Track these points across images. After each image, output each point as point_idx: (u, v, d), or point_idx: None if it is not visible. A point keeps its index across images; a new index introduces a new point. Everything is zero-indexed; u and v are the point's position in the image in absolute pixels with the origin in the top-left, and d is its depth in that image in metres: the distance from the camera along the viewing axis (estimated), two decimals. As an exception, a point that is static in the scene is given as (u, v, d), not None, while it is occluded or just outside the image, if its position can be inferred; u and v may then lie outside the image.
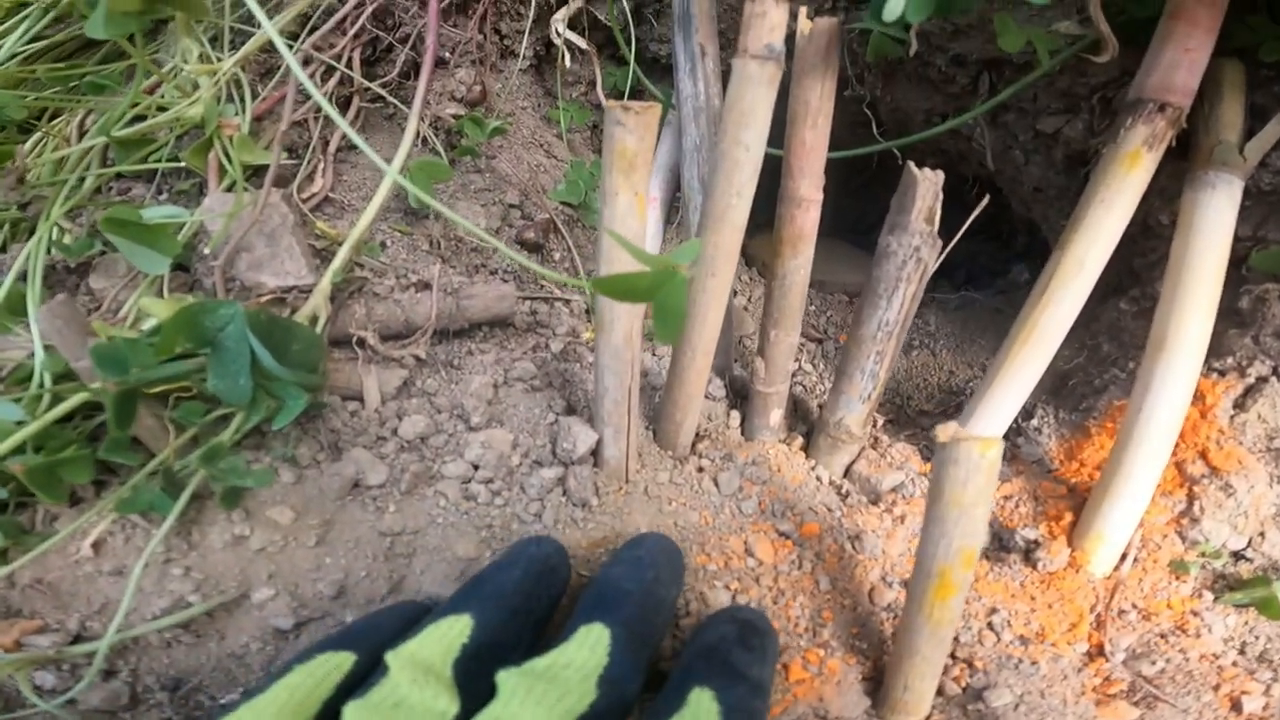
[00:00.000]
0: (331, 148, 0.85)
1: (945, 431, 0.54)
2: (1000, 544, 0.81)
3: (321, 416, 0.71)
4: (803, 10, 0.69)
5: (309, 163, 0.84)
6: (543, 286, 0.89)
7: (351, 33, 0.90)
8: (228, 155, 0.79)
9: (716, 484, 0.81)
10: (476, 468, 0.73)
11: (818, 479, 0.86)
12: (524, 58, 1.09)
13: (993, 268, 1.28)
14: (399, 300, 0.77)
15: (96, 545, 0.63)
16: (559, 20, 1.01)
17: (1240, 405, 0.78)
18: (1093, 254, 0.76)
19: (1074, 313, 0.77)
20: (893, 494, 0.85)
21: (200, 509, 0.65)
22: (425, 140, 0.91)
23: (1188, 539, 0.76)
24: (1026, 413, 0.92)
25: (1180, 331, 0.73)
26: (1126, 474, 0.75)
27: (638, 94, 1.14)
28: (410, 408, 0.75)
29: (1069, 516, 0.79)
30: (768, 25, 0.58)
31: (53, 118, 0.95)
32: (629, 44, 1.03)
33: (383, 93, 0.90)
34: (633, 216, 0.61)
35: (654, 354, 0.93)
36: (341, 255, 0.72)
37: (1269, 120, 0.77)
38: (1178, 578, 0.75)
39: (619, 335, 0.66)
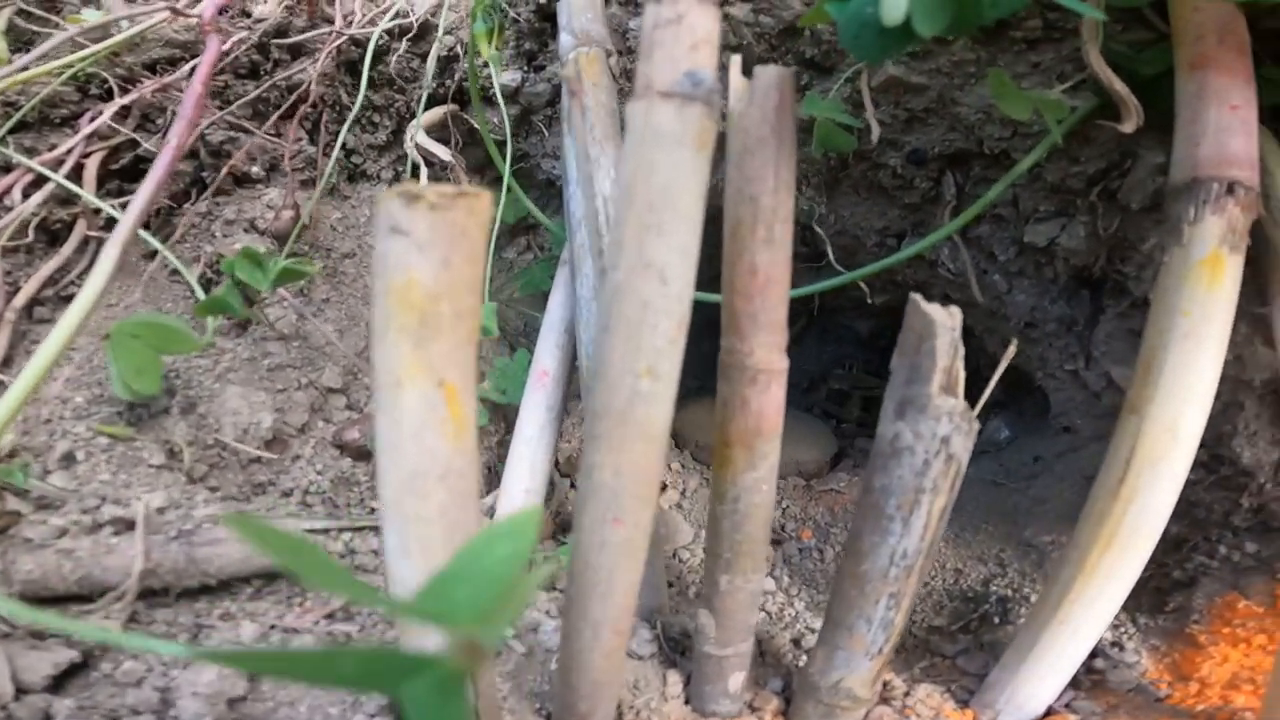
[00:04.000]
0: (19, 301, 0.48)
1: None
2: None
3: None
4: (734, 59, 0.39)
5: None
6: (373, 510, 0.52)
7: (85, 131, 0.56)
8: None
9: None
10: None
11: (810, 762, 0.50)
12: (380, 180, 0.77)
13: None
14: (69, 550, 0.39)
15: None
16: (416, 127, 0.70)
17: None
18: (1188, 415, 0.47)
19: (1172, 500, 0.48)
20: (930, 774, 0.50)
21: None
22: (193, 292, 0.55)
23: None
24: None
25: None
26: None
27: (529, 229, 0.83)
28: (63, 710, 0.37)
29: (1225, 760, 0.46)
30: (686, 39, 0.28)
31: None
32: (505, 157, 0.73)
33: (112, 211, 0.55)
34: (432, 432, 0.27)
35: (551, 589, 0.56)
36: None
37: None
38: None
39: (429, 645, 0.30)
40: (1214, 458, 0.59)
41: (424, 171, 0.69)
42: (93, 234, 0.55)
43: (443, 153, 0.69)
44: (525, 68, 0.78)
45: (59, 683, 0.42)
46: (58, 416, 0.46)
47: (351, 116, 0.69)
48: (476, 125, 0.74)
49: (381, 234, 0.26)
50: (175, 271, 0.58)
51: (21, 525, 0.40)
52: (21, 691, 0.40)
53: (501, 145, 0.75)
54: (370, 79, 0.76)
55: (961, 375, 0.42)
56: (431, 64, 0.72)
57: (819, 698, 0.49)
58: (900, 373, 0.41)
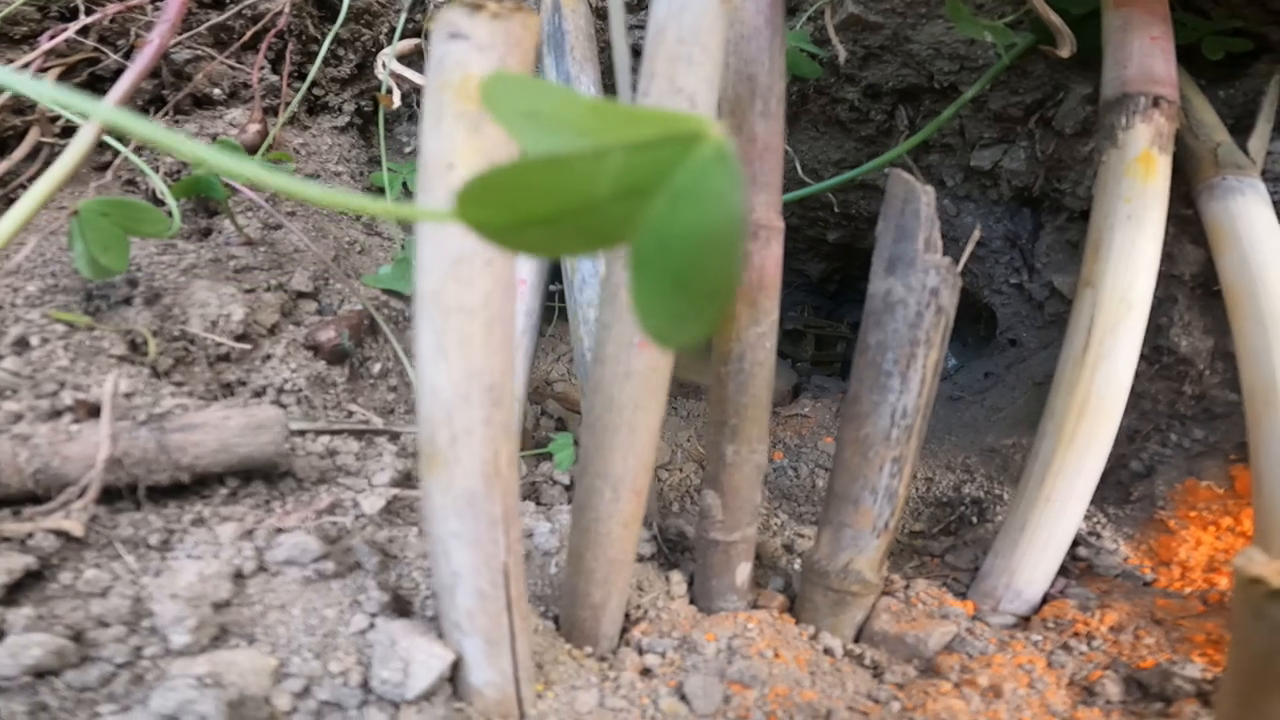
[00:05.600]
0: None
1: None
2: (1144, 692, 0.46)
3: None
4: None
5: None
6: (351, 414, 0.49)
7: (45, 46, 0.52)
8: None
9: (684, 697, 0.43)
10: None
11: (827, 652, 0.49)
12: (342, 112, 0.74)
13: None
14: (25, 436, 0.35)
15: None
16: (388, 54, 0.68)
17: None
18: (1139, 286, 0.51)
19: (1133, 364, 0.51)
20: (950, 656, 0.49)
21: None
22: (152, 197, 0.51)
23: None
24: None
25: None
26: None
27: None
28: (20, 621, 0.34)
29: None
30: None
31: None
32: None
33: (71, 117, 0.50)
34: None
35: (537, 503, 0.55)
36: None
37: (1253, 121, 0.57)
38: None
39: (472, 465, 0.28)
40: (1155, 349, 0.63)
41: (396, 94, 0.66)
42: (46, 140, 0.50)
43: (415, 77, 0.67)
44: (492, 4, 0.76)
45: (11, 593, 0.37)
46: (9, 303, 0.41)
47: (326, 43, 0.66)
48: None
49: (440, 40, 0.26)
50: (130, 181, 0.53)
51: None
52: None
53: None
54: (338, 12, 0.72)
55: (940, 244, 0.44)
56: (403, -5, 0.70)
57: (828, 584, 0.49)
58: (886, 234, 0.43)
